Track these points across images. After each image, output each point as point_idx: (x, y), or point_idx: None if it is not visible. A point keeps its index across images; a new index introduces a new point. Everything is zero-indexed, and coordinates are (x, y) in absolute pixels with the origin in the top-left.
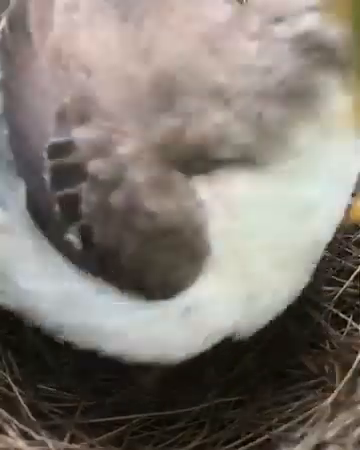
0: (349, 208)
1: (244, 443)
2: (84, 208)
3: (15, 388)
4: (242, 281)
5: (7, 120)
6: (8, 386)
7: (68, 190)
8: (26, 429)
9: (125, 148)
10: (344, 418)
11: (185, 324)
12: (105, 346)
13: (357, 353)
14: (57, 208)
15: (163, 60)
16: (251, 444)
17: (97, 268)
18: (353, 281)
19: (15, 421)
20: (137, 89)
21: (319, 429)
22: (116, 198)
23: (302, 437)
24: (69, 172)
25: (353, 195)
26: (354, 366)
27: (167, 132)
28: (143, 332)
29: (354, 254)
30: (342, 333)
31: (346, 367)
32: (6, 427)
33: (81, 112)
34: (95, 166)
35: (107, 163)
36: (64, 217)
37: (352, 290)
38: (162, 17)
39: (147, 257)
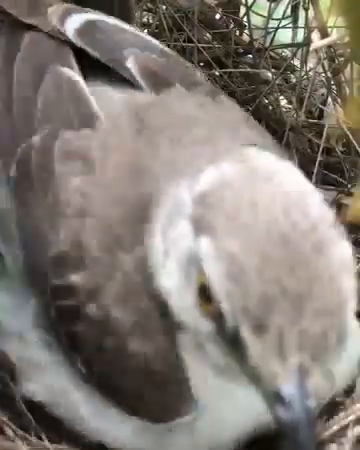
0: (348, 208)
1: None
2: (82, 345)
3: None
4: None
5: (21, 250)
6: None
7: (69, 327)
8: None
9: (112, 292)
10: (343, 417)
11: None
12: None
13: None
14: (64, 339)
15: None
16: None
17: (99, 392)
18: None
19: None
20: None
21: (318, 428)
22: (106, 340)
23: None
24: (69, 312)
25: (352, 195)
26: None
27: None
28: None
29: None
30: None
31: None
32: (6, 428)
33: (77, 259)
34: (89, 310)
35: (98, 307)
36: (70, 349)
37: None
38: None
39: (138, 391)
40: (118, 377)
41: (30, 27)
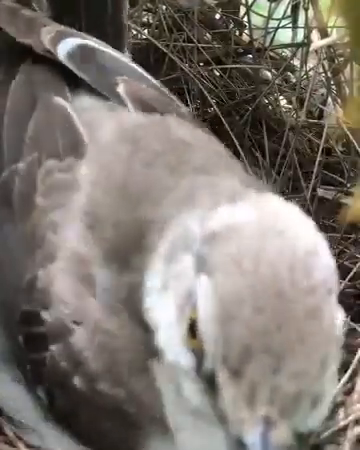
0: (348, 208)
1: None
2: (47, 374)
3: None
4: None
5: None
6: None
7: (36, 355)
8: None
9: (82, 336)
10: (342, 417)
11: None
12: None
13: (355, 353)
14: (29, 368)
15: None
16: None
17: (60, 424)
18: (351, 281)
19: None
20: None
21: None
22: (74, 380)
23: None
24: (37, 340)
25: (352, 195)
26: (352, 366)
27: None
28: None
29: (353, 254)
30: None
31: (345, 367)
32: (6, 429)
33: (45, 300)
34: (57, 348)
35: (66, 348)
36: (33, 377)
37: (350, 290)
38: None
39: (99, 426)
40: (84, 414)
41: (26, 51)
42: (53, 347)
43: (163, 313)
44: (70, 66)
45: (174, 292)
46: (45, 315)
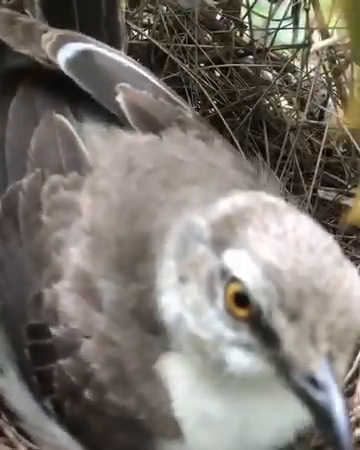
0: (349, 209)
1: None
2: (56, 384)
3: None
4: None
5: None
6: None
7: (41, 368)
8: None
9: (90, 349)
10: None
11: None
12: None
13: (356, 354)
14: (35, 380)
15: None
16: None
17: (70, 433)
18: None
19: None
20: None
21: None
22: (84, 392)
23: (301, 437)
24: (43, 353)
25: (352, 196)
26: (353, 368)
27: None
28: None
29: (353, 255)
30: None
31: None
32: (6, 430)
33: (52, 316)
34: (65, 362)
35: (75, 362)
36: (41, 389)
37: None
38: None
39: (110, 435)
40: (94, 425)
41: (26, 68)
42: (62, 361)
43: (187, 301)
44: (71, 75)
45: (196, 279)
46: (53, 330)
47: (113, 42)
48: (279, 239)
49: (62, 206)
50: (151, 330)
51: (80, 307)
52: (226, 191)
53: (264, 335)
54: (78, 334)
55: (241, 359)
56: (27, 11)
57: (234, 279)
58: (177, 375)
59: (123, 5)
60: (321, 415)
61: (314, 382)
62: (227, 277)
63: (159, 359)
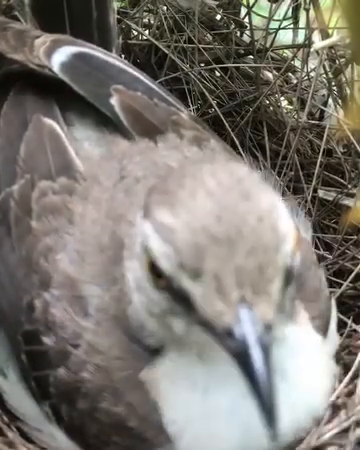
0: (349, 209)
1: None
2: (53, 390)
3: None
4: None
5: None
6: None
7: (38, 373)
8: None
9: (78, 356)
10: (344, 419)
11: None
12: None
13: (356, 354)
14: (34, 384)
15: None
16: None
17: (68, 436)
18: (352, 283)
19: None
20: None
21: (319, 430)
22: (77, 401)
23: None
24: (38, 359)
25: (352, 196)
26: (354, 367)
27: None
28: None
29: (354, 255)
30: (341, 335)
31: (346, 368)
32: (6, 430)
33: (43, 325)
34: (58, 371)
35: (66, 371)
36: (40, 393)
37: (351, 291)
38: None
39: (106, 438)
40: (90, 430)
41: (17, 71)
42: (55, 369)
43: (132, 285)
44: (65, 79)
45: (136, 256)
46: (45, 339)
47: (103, 43)
48: (173, 195)
49: (51, 211)
50: (131, 337)
51: (67, 316)
52: None
53: (181, 300)
54: (67, 344)
55: (181, 328)
56: (17, 13)
57: (146, 250)
58: (164, 382)
59: (115, 6)
60: (238, 360)
61: (231, 333)
62: (143, 249)
63: (145, 366)
